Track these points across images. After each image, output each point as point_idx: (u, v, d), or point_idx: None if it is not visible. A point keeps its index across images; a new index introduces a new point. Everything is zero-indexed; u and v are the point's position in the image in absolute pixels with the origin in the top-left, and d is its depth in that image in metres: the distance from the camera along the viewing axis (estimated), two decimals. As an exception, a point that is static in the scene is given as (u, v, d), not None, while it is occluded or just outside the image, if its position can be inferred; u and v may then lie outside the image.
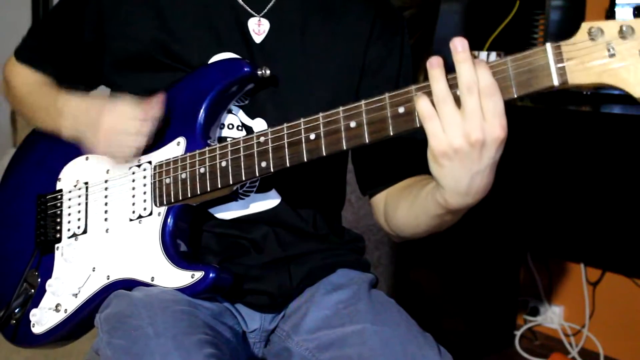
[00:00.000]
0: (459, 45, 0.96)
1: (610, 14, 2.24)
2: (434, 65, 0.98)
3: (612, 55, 0.92)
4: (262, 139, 1.14)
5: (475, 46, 2.53)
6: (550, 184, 2.40)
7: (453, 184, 1.01)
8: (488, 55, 2.46)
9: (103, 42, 1.32)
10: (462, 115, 0.96)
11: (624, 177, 2.17)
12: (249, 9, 1.30)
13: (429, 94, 0.99)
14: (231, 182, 1.18)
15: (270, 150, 1.13)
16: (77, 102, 1.30)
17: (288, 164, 1.12)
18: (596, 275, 2.71)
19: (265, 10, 1.30)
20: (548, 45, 0.95)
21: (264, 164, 1.14)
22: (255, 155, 1.15)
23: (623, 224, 2.27)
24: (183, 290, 1.19)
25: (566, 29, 2.47)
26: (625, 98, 2.11)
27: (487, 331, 2.86)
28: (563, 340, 2.81)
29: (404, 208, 1.24)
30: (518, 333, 2.89)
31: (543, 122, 2.25)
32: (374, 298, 1.30)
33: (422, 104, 0.98)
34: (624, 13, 2.21)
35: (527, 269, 2.91)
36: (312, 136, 1.09)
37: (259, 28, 1.29)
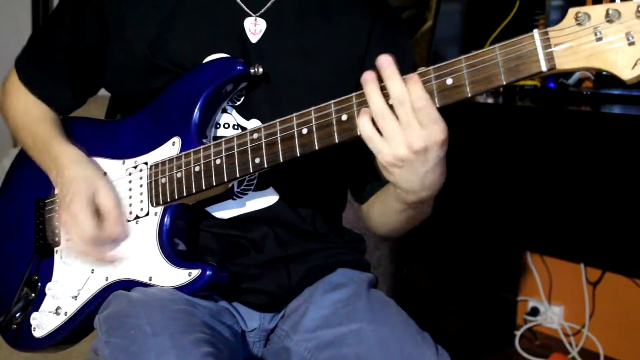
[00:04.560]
0: (384, 62, 1.02)
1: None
2: (368, 81, 1.03)
3: (599, 39, 0.93)
4: (255, 135, 1.15)
5: (475, 46, 2.52)
6: (551, 184, 2.39)
7: (406, 185, 1.07)
8: (488, 55, 2.45)
9: (105, 46, 1.31)
10: (401, 127, 1.01)
11: (624, 177, 2.17)
12: (246, 9, 1.29)
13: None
14: (226, 180, 1.18)
15: (263, 146, 1.14)
16: (69, 161, 1.29)
17: (281, 159, 1.12)
18: (596, 275, 2.70)
19: (263, 10, 1.30)
20: (535, 32, 0.96)
21: (257, 160, 1.14)
22: (249, 151, 1.15)
23: (623, 224, 2.27)
24: (181, 288, 1.20)
25: (566, 29, 2.46)
26: (625, 98, 2.12)
27: (487, 331, 2.86)
28: (563, 340, 2.81)
29: (377, 207, 1.33)
30: (518, 333, 2.89)
31: (543, 122, 2.25)
32: (373, 297, 1.30)
33: (363, 126, 1.03)
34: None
35: (527, 269, 2.91)
36: (305, 130, 1.10)
37: (255, 28, 1.29)
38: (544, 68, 0.95)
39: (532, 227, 2.66)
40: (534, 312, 2.90)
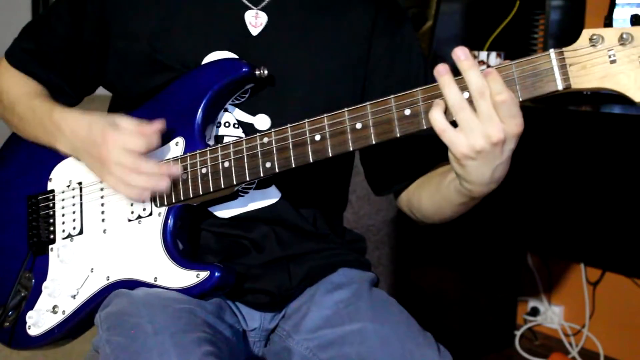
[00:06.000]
0: (461, 54, 1.00)
1: (609, 14, 2.24)
2: (442, 73, 1.01)
3: (613, 62, 0.96)
4: (265, 139, 1.14)
5: (475, 46, 2.52)
6: (551, 184, 2.39)
7: (476, 178, 1.06)
8: (488, 55, 2.46)
9: (107, 43, 1.31)
10: (480, 119, 1.00)
11: (624, 177, 2.17)
12: (246, 2, 1.29)
13: (436, 96, 1.03)
14: (235, 183, 1.18)
15: (274, 151, 1.14)
16: (76, 118, 1.26)
17: (294, 165, 1.12)
18: (596, 275, 2.70)
19: (264, 3, 1.30)
20: (552, 51, 0.98)
21: (268, 165, 1.14)
22: (260, 155, 1.15)
23: (623, 224, 2.27)
24: (188, 290, 1.19)
25: (566, 29, 2.47)
26: (625, 98, 2.12)
27: (487, 331, 2.86)
28: (563, 340, 2.81)
29: (428, 198, 1.29)
30: (518, 333, 2.89)
31: (543, 122, 2.25)
32: (375, 297, 1.30)
33: (436, 119, 1.02)
34: (623, 13, 2.21)
35: (527, 269, 2.91)
36: (318, 137, 1.10)
37: (255, 21, 1.29)
38: (560, 87, 0.98)
39: (532, 227, 2.65)
40: (534, 312, 2.90)
